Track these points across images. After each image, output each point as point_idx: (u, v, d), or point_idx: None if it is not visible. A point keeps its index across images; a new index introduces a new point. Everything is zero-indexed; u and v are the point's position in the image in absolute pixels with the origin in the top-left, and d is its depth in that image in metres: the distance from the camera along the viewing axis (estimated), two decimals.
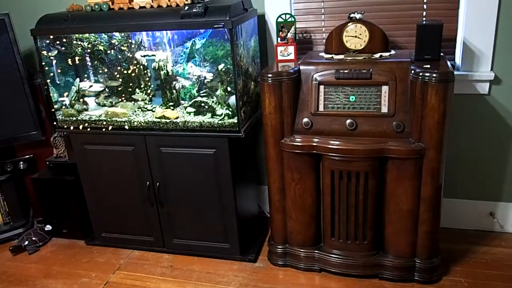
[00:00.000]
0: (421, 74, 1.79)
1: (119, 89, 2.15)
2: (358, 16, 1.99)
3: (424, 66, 1.83)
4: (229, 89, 2.00)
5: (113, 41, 2.08)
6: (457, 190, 2.39)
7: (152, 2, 2.08)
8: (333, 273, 2.15)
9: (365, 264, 2.09)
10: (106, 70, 2.14)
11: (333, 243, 2.12)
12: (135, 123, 2.18)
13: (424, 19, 2.14)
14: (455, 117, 2.24)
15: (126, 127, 2.19)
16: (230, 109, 2.04)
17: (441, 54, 1.96)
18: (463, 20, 2.09)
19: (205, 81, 2.03)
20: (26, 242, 2.55)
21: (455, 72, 2.13)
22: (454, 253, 2.25)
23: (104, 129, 2.23)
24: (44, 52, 2.18)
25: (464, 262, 2.19)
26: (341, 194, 2.01)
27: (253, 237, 2.45)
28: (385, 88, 1.90)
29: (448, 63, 1.91)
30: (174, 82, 2.08)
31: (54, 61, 2.19)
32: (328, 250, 2.14)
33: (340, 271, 2.13)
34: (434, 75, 1.75)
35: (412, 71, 1.83)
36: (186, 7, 1.95)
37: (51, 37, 2.13)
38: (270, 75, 1.94)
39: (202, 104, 2.07)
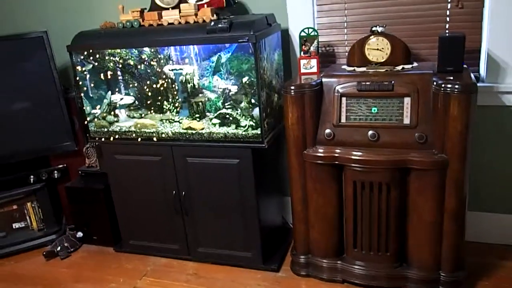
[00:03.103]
0: (443, 85, 1.80)
1: (149, 102, 2.24)
2: (380, 29, 2.02)
3: (447, 78, 1.84)
4: (253, 101, 2.06)
5: (143, 56, 2.18)
6: (485, 204, 2.36)
7: (180, 18, 2.17)
8: (356, 284, 2.14)
9: (388, 276, 2.08)
10: (136, 83, 2.23)
11: (355, 254, 2.12)
12: (163, 134, 2.26)
13: (447, 31, 2.14)
14: (480, 129, 2.22)
15: (155, 139, 2.27)
16: (254, 121, 2.09)
17: (464, 65, 1.97)
18: (487, 31, 2.09)
19: (230, 93, 2.09)
20: (59, 248, 2.65)
21: (480, 84, 2.14)
22: (481, 268, 2.21)
23: (133, 140, 2.32)
24: (79, 67, 2.30)
25: (491, 277, 2.15)
26: (363, 205, 2.02)
27: (276, 247, 2.48)
28: (407, 100, 1.91)
29: (472, 75, 1.91)
30: (200, 95, 2.15)
31: (88, 76, 2.30)
32: (350, 261, 2.14)
33: (363, 283, 2.13)
34: (456, 86, 1.76)
35: (434, 83, 1.85)
36: (212, 23, 2.03)
37: (86, 52, 2.25)
38: (292, 87, 1.99)
39: (227, 116, 2.13)
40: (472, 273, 2.14)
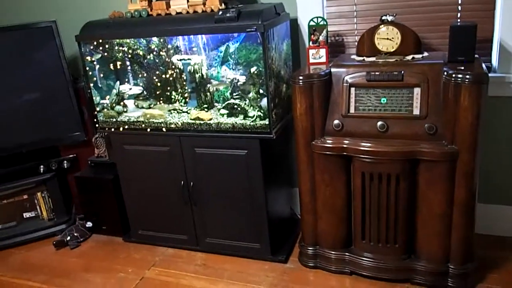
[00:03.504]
0: (453, 75, 1.77)
1: (157, 92, 2.24)
2: (390, 18, 1.99)
3: (458, 67, 1.81)
4: (261, 91, 2.05)
5: (151, 46, 2.17)
6: (495, 196, 2.33)
7: (188, 8, 2.16)
8: (364, 276, 2.13)
9: (396, 268, 2.07)
10: (144, 73, 2.23)
11: (364, 246, 2.11)
12: (171, 124, 2.26)
13: (458, 20, 2.11)
14: (492, 120, 2.19)
15: (164, 129, 2.27)
16: (262, 111, 2.08)
17: (476, 55, 1.94)
18: (499, 21, 2.05)
19: (238, 83, 2.08)
20: (68, 238, 2.68)
21: (492, 74, 2.10)
22: (491, 260, 2.18)
23: (141, 130, 2.33)
24: (88, 57, 2.30)
25: (501, 270, 2.13)
26: (372, 196, 2.00)
27: (285, 238, 2.47)
28: (417, 90, 1.89)
29: (483, 65, 1.88)
30: (208, 85, 2.14)
31: (97, 66, 2.31)
32: (359, 253, 2.13)
33: (371, 274, 2.11)
34: (467, 76, 1.73)
35: (445, 73, 1.82)
36: (220, 12, 2.01)
37: (94, 42, 2.25)
38: (301, 77, 1.98)
39: (235, 106, 2.12)
40: (481, 265, 2.11)
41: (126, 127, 2.36)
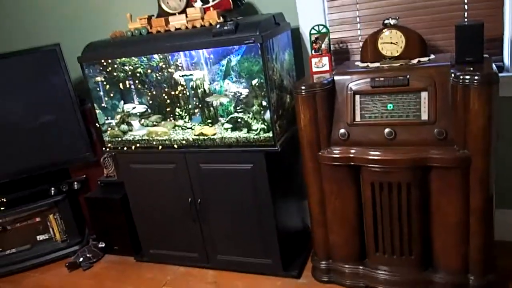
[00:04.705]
0: (461, 77, 1.69)
1: (161, 109, 2.22)
2: (392, 22, 1.93)
3: (466, 69, 1.73)
4: (264, 103, 2.00)
5: (152, 63, 2.16)
6: None
7: (187, 23, 2.14)
8: None
9: (413, 281, 1.98)
10: (148, 91, 2.22)
11: (377, 258, 2.03)
12: (176, 141, 2.23)
13: (465, 19, 2.03)
14: (506, 121, 2.09)
15: (169, 146, 2.24)
16: (266, 124, 2.03)
17: (485, 55, 1.85)
18: (508, 17, 1.96)
19: (241, 97, 2.04)
20: (81, 259, 2.67)
21: (504, 74, 2.02)
22: None
23: (146, 148, 2.31)
24: (91, 78, 2.30)
25: None
26: (383, 207, 1.93)
27: (297, 253, 2.40)
28: (424, 94, 1.81)
29: (493, 64, 1.79)
30: (211, 100, 2.11)
31: (101, 86, 2.31)
32: (373, 266, 2.05)
33: None
34: (476, 77, 1.65)
35: (452, 75, 1.74)
36: (218, 26, 1.99)
37: (100, 63, 2.25)
38: (303, 87, 1.93)
39: (239, 120, 2.09)
40: (504, 275, 2.01)
41: (132, 146, 2.34)
